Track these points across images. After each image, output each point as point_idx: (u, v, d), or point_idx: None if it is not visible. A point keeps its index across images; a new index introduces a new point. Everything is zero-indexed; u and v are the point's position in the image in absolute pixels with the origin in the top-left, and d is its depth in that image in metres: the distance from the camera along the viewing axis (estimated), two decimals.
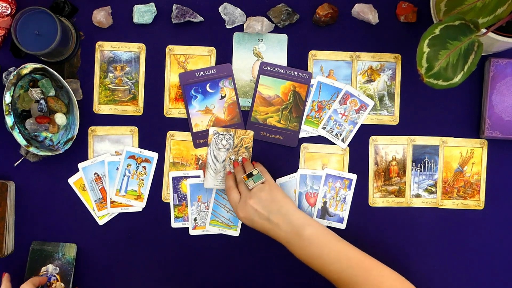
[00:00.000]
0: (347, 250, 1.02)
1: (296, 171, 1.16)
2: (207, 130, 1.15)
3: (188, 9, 1.14)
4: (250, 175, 1.07)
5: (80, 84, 1.15)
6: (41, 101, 1.11)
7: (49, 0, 1.14)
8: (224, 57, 1.16)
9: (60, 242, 1.15)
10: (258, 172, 1.07)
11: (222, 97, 1.16)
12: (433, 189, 1.16)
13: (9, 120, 1.08)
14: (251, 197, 1.05)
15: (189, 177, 1.16)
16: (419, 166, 1.16)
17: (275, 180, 1.15)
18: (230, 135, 1.14)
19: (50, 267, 1.14)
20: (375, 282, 0.98)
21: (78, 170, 1.15)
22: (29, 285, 1.06)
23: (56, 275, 1.14)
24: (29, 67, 1.08)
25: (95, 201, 1.15)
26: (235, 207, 1.07)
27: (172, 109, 1.16)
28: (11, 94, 1.08)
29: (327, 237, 1.03)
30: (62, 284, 1.13)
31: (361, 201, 1.16)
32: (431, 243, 1.16)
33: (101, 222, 1.16)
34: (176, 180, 1.16)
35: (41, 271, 1.14)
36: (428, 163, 1.16)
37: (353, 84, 1.16)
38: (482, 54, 1.08)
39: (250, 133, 1.14)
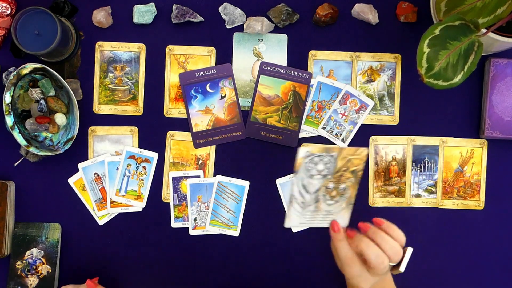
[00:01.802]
0: None
1: None
2: (208, 130, 1.15)
3: (188, 9, 1.14)
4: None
5: (80, 84, 1.15)
6: (41, 101, 1.11)
7: (49, 0, 1.14)
8: (224, 57, 1.16)
9: (44, 223, 1.15)
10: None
11: (222, 97, 1.16)
12: (433, 189, 1.16)
13: (9, 120, 1.08)
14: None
15: (189, 177, 1.16)
16: (419, 166, 1.16)
17: (275, 180, 1.15)
18: (331, 156, 0.81)
19: (34, 251, 1.14)
20: None
21: (78, 170, 1.15)
22: None
23: (41, 258, 1.14)
24: (29, 67, 1.08)
25: (95, 201, 1.15)
26: (360, 280, 0.92)
27: (172, 109, 1.16)
28: (11, 94, 1.08)
29: None
30: (48, 267, 1.13)
31: (361, 201, 1.16)
32: (431, 243, 1.16)
33: (101, 222, 1.16)
34: (176, 180, 1.16)
35: (26, 255, 1.14)
36: (428, 163, 1.16)
37: (353, 84, 1.16)
38: (482, 54, 1.08)
39: (364, 151, 0.83)
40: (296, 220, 0.89)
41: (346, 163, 0.83)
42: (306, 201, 0.85)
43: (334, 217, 0.89)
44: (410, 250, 0.89)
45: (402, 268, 0.88)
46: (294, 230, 1.13)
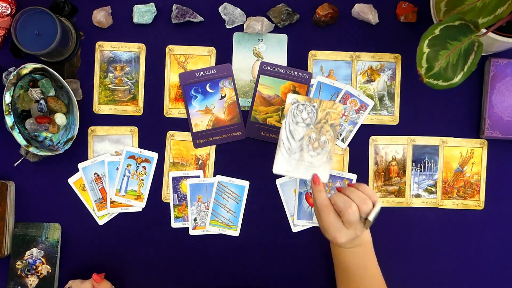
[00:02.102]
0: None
1: None
2: (207, 130, 1.15)
3: (188, 9, 1.14)
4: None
5: (80, 84, 1.15)
6: (41, 101, 1.11)
7: (49, 0, 1.14)
8: (224, 57, 1.16)
9: (44, 223, 1.15)
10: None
11: (222, 97, 1.16)
12: (433, 189, 1.16)
13: (9, 120, 1.08)
14: (363, 231, 1.00)
15: (189, 177, 1.16)
16: (419, 166, 1.16)
17: (275, 180, 1.15)
18: (313, 106, 0.96)
19: (34, 251, 1.14)
20: None
21: (78, 170, 1.15)
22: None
23: (41, 258, 1.14)
24: (29, 67, 1.08)
25: (95, 201, 1.15)
26: (335, 231, 0.98)
27: (172, 109, 1.16)
28: (11, 94, 1.08)
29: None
30: (48, 267, 1.13)
31: None
32: (431, 243, 1.16)
33: (101, 222, 1.16)
34: (176, 180, 1.16)
35: (25, 255, 1.14)
36: (428, 163, 1.16)
37: (353, 84, 1.16)
38: (482, 54, 1.08)
39: (339, 106, 0.97)
40: (283, 167, 0.98)
41: (325, 116, 0.97)
42: (292, 148, 0.97)
43: (316, 170, 0.99)
44: (379, 203, 0.97)
45: (370, 217, 0.96)
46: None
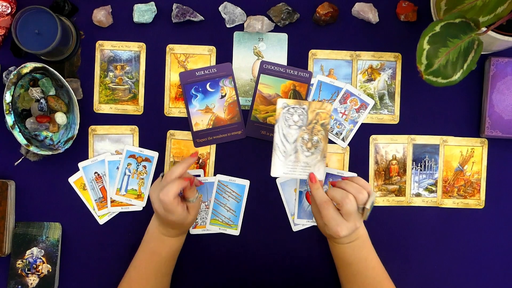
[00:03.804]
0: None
1: None
2: (208, 129, 1.15)
3: (188, 8, 1.14)
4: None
5: (80, 83, 1.15)
6: (41, 100, 1.11)
7: (49, 0, 1.14)
8: (224, 56, 1.16)
9: (44, 222, 1.15)
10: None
11: (222, 96, 1.16)
12: (434, 188, 1.16)
13: (10, 119, 1.08)
14: (361, 224, 1.04)
15: None
16: (419, 165, 1.16)
17: (275, 179, 1.15)
18: (303, 108, 0.99)
19: (34, 250, 1.14)
20: None
21: (78, 169, 1.15)
22: (182, 166, 1.03)
23: (41, 257, 1.14)
24: (29, 66, 1.08)
25: (95, 200, 1.15)
26: (336, 224, 1.00)
27: (172, 108, 1.16)
28: (12, 93, 1.08)
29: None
30: (48, 266, 1.13)
31: None
32: (431, 242, 1.16)
33: (101, 221, 1.16)
34: None
35: (26, 254, 1.14)
36: (428, 162, 1.16)
37: (353, 83, 1.16)
38: (482, 53, 1.08)
39: (328, 106, 1.00)
40: (280, 169, 1.02)
41: (315, 116, 1.00)
42: (287, 150, 1.00)
43: (312, 169, 1.02)
44: (374, 193, 1.02)
45: (368, 205, 0.99)
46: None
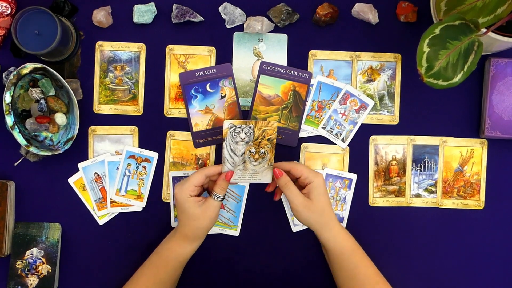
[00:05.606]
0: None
1: None
2: (208, 130, 1.15)
3: (188, 8, 1.14)
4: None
5: (80, 83, 1.15)
6: (41, 101, 1.11)
7: (49, 0, 1.14)
8: (224, 56, 1.16)
9: (44, 222, 1.15)
10: None
11: (222, 97, 1.16)
12: (433, 189, 1.16)
13: (9, 120, 1.08)
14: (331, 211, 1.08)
15: None
16: (419, 165, 1.16)
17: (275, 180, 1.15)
18: (250, 127, 1.04)
19: (34, 250, 1.14)
20: None
21: (78, 170, 1.15)
22: (200, 175, 1.04)
23: (41, 257, 1.14)
24: (29, 66, 1.08)
25: (95, 200, 1.15)
26: (298, 194, 1.05)
27: (172, 109, 1.16)
28: (11, 94, 1.08)
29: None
30: (48, 266, 1.13)
31: (361, 201, 1.16)
32: (431, 243, 1.16)
33: (101, 222, 1.16)
34: (176, 180, 1.16)
35: (26, 255, 1.14)
36: (428, 162, 1.16)
37: (353, 83, 1.16)
38: (482, 54, 1.08)
39: (274, 124, 1.05)
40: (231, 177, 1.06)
41: (262, 133, 1.04)
42: (236, 162, 1.05)
43: (260, 176, 1.08)
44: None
45: None
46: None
